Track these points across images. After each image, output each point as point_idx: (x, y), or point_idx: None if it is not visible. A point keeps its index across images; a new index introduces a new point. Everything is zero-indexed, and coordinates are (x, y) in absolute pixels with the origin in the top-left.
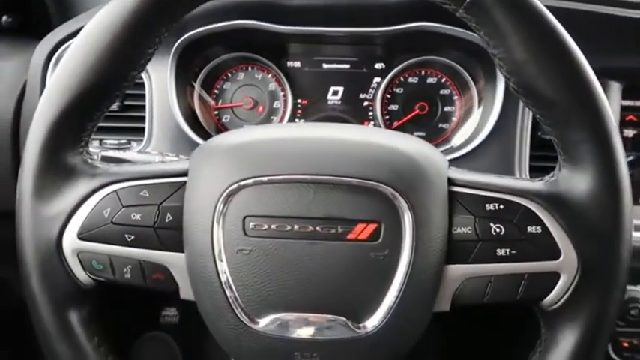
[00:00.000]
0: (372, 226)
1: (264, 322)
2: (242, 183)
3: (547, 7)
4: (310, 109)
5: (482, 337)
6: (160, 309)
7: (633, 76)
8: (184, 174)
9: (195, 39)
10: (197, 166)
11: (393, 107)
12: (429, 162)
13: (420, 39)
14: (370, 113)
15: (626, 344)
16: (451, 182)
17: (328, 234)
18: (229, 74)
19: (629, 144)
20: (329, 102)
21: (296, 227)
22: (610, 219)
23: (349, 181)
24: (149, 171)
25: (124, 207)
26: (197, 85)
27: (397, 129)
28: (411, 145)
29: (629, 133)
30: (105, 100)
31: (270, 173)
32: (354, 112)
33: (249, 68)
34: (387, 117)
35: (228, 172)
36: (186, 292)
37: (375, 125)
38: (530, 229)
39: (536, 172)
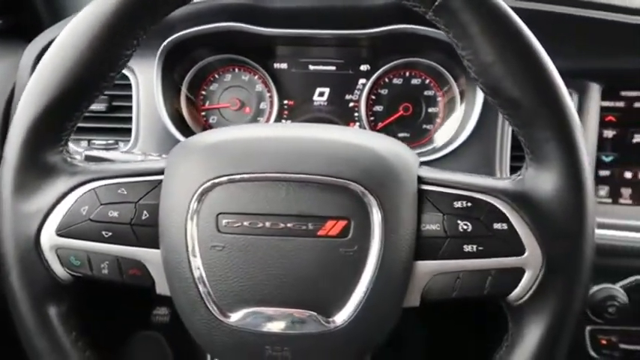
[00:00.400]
0: (341, 223)
1: (236, 317)
2: (216, 181)
3: (526, 9)
4: (297, 110)
5: (460, 333)
6: (151, 308)
7: (612, 78)
8: (161, 172)
9: (182, 41)
10: (173, 165)
11: (378, 108)
12: (399, 160)
13: (403, 41)
14: (356, 114)
15: (604, 342)
16: (421, 180)
17: (299, 230)
18: (216, 76)
19: (609, 144)
20: (315, 103)
21: (268, 224)
22: (574, 217)
23: (320, 179)
24: (127, 169)
25: (101, 204)
26: (184, 87)
27: (381, 130)
28: (381, 143)
29: (609, 133)
30: (83, 101)
31: (244, 171)
32: (340, 113)
33: (236, 70)
34: (372, 118)
35: (203, 170)
36: (162, 288)
37: (360, 126)
38: (497, 226)
39: (517, 171)
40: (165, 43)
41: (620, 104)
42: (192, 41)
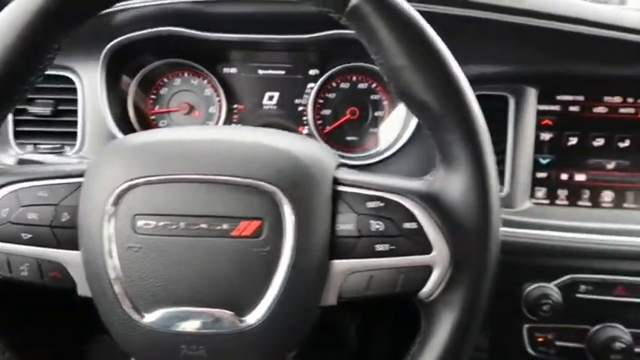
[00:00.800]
0: (255, 223)
1: (152, 317)
2: (132, 182)
3: (463, 16)
4: (247, 114)
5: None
6: None
7: (548, 82)
8: (82, 174)
9: (126, 44)
10: (93, 167)
11: (326, 112)
12: (314, 162)
13: (349, 45)
14: (304, 118)
15: (541, 339)
16: (337, 182)
17: (214, 231)
18: (166, 80)
19: (546, 147)
20: (264, 107)
21: (183, 225)
22: (479, 217)
23: (233, 180)
24: (48, 171)
25: (22, 206)
26: (131, 91)
27: (329, 133)
28: (298, 145)
29: (546, 136)
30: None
31: (160, 173)
32: (289, 117)
33: (186, 74)
34: (320, 122)
35: (120, 172)
36: (83, 290)
37: (308, 130)
38: (407, 225)
39: None
40: (108, 46)
41: (556, 108)
42: (136, 45)
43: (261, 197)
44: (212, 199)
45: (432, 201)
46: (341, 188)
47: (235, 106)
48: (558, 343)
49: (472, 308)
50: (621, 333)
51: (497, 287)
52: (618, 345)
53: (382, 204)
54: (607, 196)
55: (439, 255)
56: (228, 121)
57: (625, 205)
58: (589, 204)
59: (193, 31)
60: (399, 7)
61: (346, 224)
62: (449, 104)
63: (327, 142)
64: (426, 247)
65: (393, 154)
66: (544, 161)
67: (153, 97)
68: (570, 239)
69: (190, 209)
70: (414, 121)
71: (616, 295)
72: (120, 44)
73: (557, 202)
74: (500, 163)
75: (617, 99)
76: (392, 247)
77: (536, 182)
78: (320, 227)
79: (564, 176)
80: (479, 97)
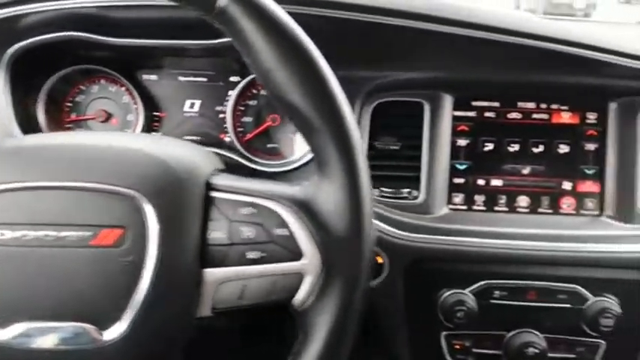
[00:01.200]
0: (116, 232)
1: (6, 334)
2: None
3: (367, 22)
4: (167, 121)
5: None
6: None
7: (463, 89)
8: None
9: (31, 50)
10: None
11: (247, 119)
12: (185, 167)
13: None
14: (226, 126)
15: (458, 347)
16: (211, 187)
17: (72, 240)
18: (83, 87)
19: (462, 152)
20: (185, 114)
21: (41, 234)
22: (351, 223)
23: (93, 187)
24: None
25: None
26: (41, 97)
27: (250, 141)
28: (167, 150)
29: (462, 142)
30: None
31: (15, 180)
32: (211, 124)
33: (103, 81)
34: (241, 129)
35: None
36: None
37: (229, 137)
38: (278, 231)
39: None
40: (9, 51)
41: (472, 114)
42: (45, 51)
43: (123, 204)
44: (71, 206)
45: (304, 207)
46: (214, 194)
47: (156, 113)
48: (475, 350)
49: (346, 317)
50: (536, 338)
51: (415, 295)
52: (532, 350)
53: (255, 210)
54: (522, 201)
55: (310, 262)
56: (147, 129)
57: (540, 210)
58: (505, 209)
59: (98, 37)
60: (268, 9)
61: (217, 232)
62: (318, 108)
63: (248, 149)
64: (297, 254)
65: (304, 164)
66: (461, 167)
67: (69, 104)
68: (485, 244)
69: (47, 218)
70: None
71: (528, 300)
72: (23, 49)
73: (475, 207)
74: (417, 169)
75: (531, 105)
76: (263, 254)
77: (453, 188)
78: (189, 235)
79: (481, 182)
80: (391, 103)
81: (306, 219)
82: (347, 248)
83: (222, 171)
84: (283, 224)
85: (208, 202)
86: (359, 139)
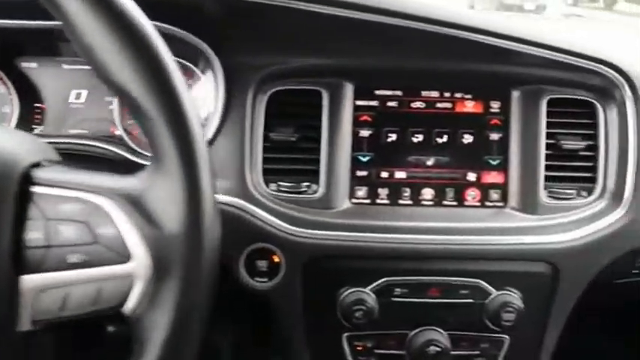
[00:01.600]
0: None
1: None
2: None
3: (279, 6)
4: (50, 113)
5: None
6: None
7: (365, 77)
8: None
9: None
10: None
11: None
12: None
13: None
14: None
15: (360, 348)
16: (29, 181)
17: None
18: None
19: (365, 144)
20: (71, 106)
21: None
22: (187, 219)
23: None
24: None
25: None
26: None
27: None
28: None
29: (365, 132)
30: None
31: None
32: (99, 116)
33: None
34: (131, 122)
35: None
36: None
37: (117, 129)
38: (102, 230)
39: (268, 174)
40: None
41: (374, 103)
42: None
43: None
44: None
45: (133, 202)
46: (33, 189)
47: (36, 104)
48: (378, 351)
49: (184, 324)
50: (438, 336)
51: (314, 295)
52: (433, 349)
53: (77, 206)
54: (427, 193)
55: (140, 264)
56: (25, 121)
57: (445, 202)
58: (410, 202)
59: None
60: None
61: (35, 232)
62: (151, 91)
63: (140, 145)
64: (124, 256)
65: None
66: (363, 159)
67: None
68: (388, 240)
69: None
70: (215, 119)
71: (430, 297)
72: None
73: (378, 201)
74: (316, 162)
75: (435, 94)
76: (85, 257)
77: (355, 181)
78: (0, 236)
79: (385, 174)
80: (288, 92)
81: (136, 215)
82: (182, 246)
83: (56, 163)
84: (110, 222)
85: (25, 198)
86: (197, 125)
